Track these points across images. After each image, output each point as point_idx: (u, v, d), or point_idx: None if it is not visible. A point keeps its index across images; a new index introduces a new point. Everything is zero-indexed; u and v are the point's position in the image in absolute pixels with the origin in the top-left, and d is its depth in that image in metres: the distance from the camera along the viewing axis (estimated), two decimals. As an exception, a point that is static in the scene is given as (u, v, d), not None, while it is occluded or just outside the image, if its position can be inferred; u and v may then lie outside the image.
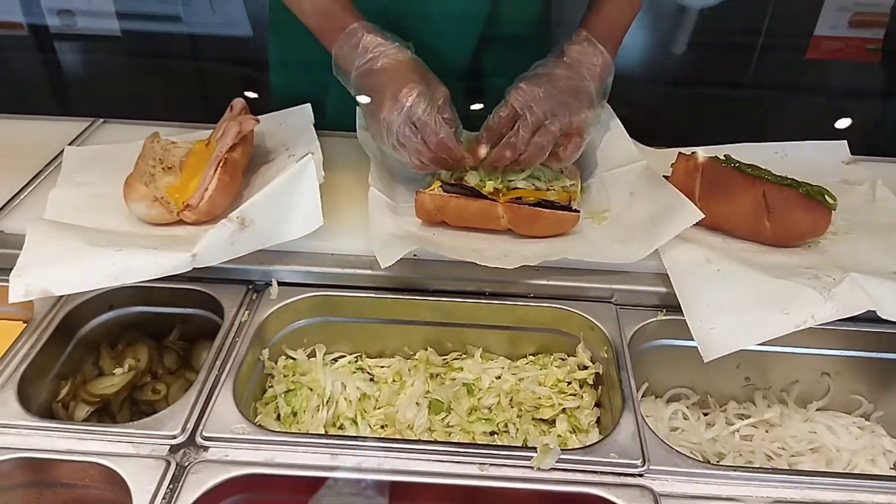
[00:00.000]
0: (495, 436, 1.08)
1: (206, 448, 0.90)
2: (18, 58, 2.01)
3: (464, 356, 1.19)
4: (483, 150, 1.18)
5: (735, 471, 0.90)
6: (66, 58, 1.94)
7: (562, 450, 0.90)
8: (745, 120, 2.43)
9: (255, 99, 1.50)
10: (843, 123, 1.97)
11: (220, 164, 1.19)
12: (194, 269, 1.08)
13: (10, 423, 0.93)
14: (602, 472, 0.89)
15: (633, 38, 2.45)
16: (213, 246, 1.08)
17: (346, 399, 1.09)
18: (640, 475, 0.89)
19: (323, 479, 0.89)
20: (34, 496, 0.95)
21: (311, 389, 1.10)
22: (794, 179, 1.18)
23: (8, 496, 0.93)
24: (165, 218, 1.18)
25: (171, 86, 1.97)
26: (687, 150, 1.24)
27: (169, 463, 0.88)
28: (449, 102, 1.19)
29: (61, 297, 1.11)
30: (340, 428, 1.08)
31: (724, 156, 1.21)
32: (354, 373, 1.16)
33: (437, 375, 1.16)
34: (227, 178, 1.19)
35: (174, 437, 0.91)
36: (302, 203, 1.12)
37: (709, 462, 1.10)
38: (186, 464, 0.88)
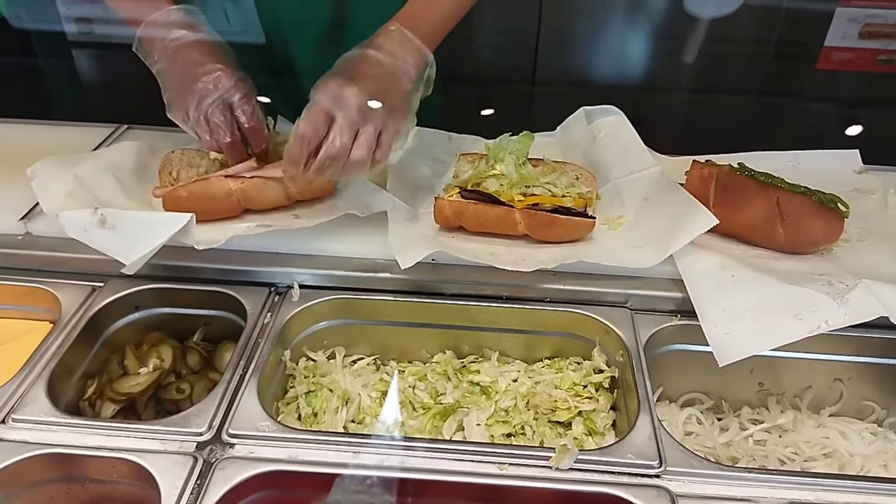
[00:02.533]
0: (512, 438, 1.10)
1: (232, 445, 0.93)
2: (40, 65, 2.05)
3: (480, 359, 1.21)
4: (300, 159, 1.08)
5: (751, 472, 0.91)
6: (84, 65, 1.98)
7: (579, 450, 0.92)
8: (756, 129, 2.44)
9: (268, 104, 1.53)
10: (854, 133, 1.99)
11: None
12: (218, 271, 1.14)
13: (41, 420, 0.96)
14: (619, 473, 0.91)
15: (645, 48, 2.48)
16: (74, 220, 1.10)
17: (369, 395, 1.12)
18: (657, 476, 0.90)
19: (346, 477, 0.91)
20: (63, 491, 0.97)
21: (331, 391, 1.13)
22: (807, 187, 1.19)
23: (37, 491, 0.96)
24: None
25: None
26: (701, 159, 1.26)
27: (196, 459, 0.90)
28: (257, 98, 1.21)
29: (87, 298, 1.15)
30: (361, 423, 1.10)
31: (738, 164, 1.23)
32: (374, 373, 1.18)
33: (451, 378, 1.18)
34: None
35: (201, 434, 0.93)
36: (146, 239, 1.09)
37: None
38: (213, 460, 0.90)
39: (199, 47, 1.18)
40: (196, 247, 1.10)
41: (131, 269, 1.07)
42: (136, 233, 1.08)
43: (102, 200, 1.19)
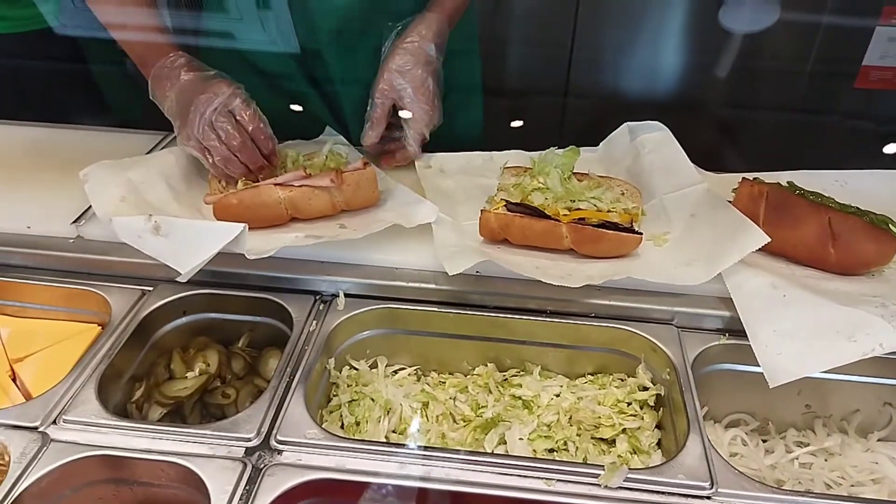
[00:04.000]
0: (554, 453, 1.09)
1: (280, 451, 0.93)
2: (93, 72, 2.08)
3: (522, 373, 1.20)
4: (373, 139, 1.37)
5: (802, 496, 0.90)
6: (136, 72, 2.02)
7: (629, 469, 0.91)
8: (793, 146, 2.41)
9: (300, 112, 1.55)
10: (894, 152, 1.96)
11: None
12: (265, 279, 1.16)
13: (92, 421, 0.97)
14: (670, 493, 0.90)
15: (679, 62, 2.47)
16: (127, 226, 1.13)
17: (410, 406, 1.12)
18: (709, 497, 0.89)
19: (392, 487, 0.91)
20: (111, 492, 0.98)
21: (373, 400, 1.13)
22: (858, 208, 1.18)
23: (86, 492, 0.97)
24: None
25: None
26: (749, 176, 1.25)
27: (245, 465, 0.91)
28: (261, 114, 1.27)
29: (137, 302, 1.16)
30: (402, 434, 1.10)
31: (788, 182, 1.22)
32: (415, 384, 1.18)
33: (492, 391, 1.17)
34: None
35: (250, 439, 0.94)
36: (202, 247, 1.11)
37: (769, 488, 1.10)
38: (262, 466, 0.91)
39: (203, 80, 1.25)
40: (247, 255, 1.11)
41: (185, 276, 1.09)
42: (190, 241, 1.09)
43: (154, 206, 1.21)
